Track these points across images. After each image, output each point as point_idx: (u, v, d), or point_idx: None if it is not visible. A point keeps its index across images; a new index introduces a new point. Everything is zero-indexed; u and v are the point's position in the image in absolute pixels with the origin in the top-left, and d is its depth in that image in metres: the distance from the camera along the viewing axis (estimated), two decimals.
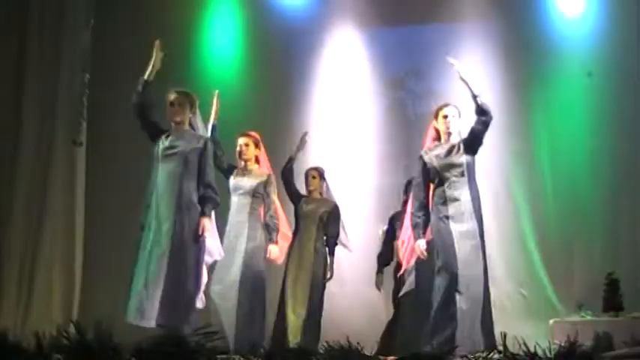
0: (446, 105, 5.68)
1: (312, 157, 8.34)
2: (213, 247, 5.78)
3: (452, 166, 5.49)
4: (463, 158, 5.51)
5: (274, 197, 6.55)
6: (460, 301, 5.29)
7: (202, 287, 5.62)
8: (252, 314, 6.16)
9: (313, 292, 6.62)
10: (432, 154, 5.58)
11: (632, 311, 7.12)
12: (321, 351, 4.76)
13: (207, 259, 5.73)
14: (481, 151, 5.81)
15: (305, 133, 7.13)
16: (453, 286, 5.30)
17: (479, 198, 5.54)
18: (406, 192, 6.85)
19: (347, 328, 5.76)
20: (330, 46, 8.61)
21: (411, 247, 5.84)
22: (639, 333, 6.76)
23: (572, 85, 8.03)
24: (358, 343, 4.74)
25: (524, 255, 7.75)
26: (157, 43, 5.70)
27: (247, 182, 6.41)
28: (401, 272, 6.51)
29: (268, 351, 4.73)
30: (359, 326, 7.16)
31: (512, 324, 6.69)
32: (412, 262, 6.05)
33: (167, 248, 5.32)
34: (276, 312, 6.68)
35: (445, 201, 5.45)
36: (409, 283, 6.43)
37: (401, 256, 6.29)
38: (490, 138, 5.91)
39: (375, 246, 8.04)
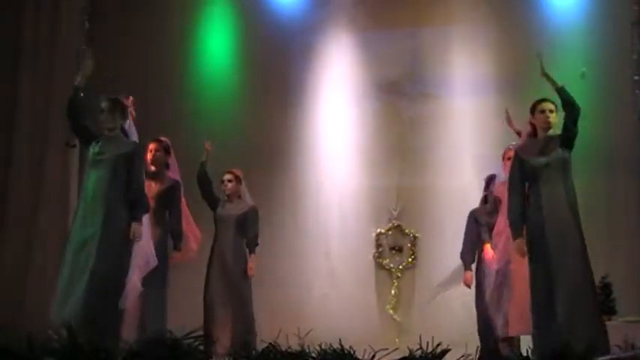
0: (544, 100, 5.57)
1: (304, 158, 8.38)
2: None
3: (549, 162, 5.41)
4: (560, 153, 5.44)
5: (182, 204, 6.52)
6: (558, 302, 5.20)
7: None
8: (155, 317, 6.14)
9: (235, 291, 6.73)
10: (529, 150, 5.50)
11: (625, 315, 7.14)
12: (314, 354, 4.75)
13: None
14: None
15: (206, 141, 7.01)
16: (549, 286, 5.23)
17: (575, 194, 5.46)
18: (487, 187, 6.74)
19: (341, 331, 5.74)
20: (324, 48, 8.60)
21: (503, 249, 5.84)
22: (632, 337, 6.82)
23: (566, 83, 7.99)
24: (351, 347, 4.74)
25: None
26: (87, 51, 5.77)
27: (155, 188, 6.38)
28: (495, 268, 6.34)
29: (261, 353, 4.72)
30: (353, 329, 7.14)
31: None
32: (501, 264, 6.08)
33: (92, 255, 5.27)
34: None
35: (541, 197, 5.35)
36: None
37: (489, 257, 6.33)
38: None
39: (370, 247, 8.08)
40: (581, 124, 7.78)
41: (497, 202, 6.47)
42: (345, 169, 8.40)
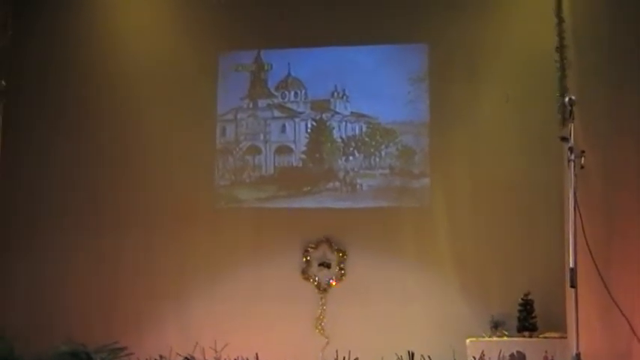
0: None
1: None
2: None
3: None
4: None
5: None
6: None
7: None
8: None
9: None
10: None
11: (544, 331, 7.26)
12: None
13: None
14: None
15: None
16: None
17: None
18: None
19: (262, 346, 5.69)
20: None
21: None
22: (551, 352, 7.01)
23: (493, 107, 8.09)
24: None
25: (442, 273, 7.84)
26: None
27: None
28: None
29: None
30: (275, 344, 7.07)
31: (430, 342, 6.72)
32: None
33: None
34: None
35: None
36: None
37: None
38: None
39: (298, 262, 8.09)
40: (508, 145, 8.00)
41: None
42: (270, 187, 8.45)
